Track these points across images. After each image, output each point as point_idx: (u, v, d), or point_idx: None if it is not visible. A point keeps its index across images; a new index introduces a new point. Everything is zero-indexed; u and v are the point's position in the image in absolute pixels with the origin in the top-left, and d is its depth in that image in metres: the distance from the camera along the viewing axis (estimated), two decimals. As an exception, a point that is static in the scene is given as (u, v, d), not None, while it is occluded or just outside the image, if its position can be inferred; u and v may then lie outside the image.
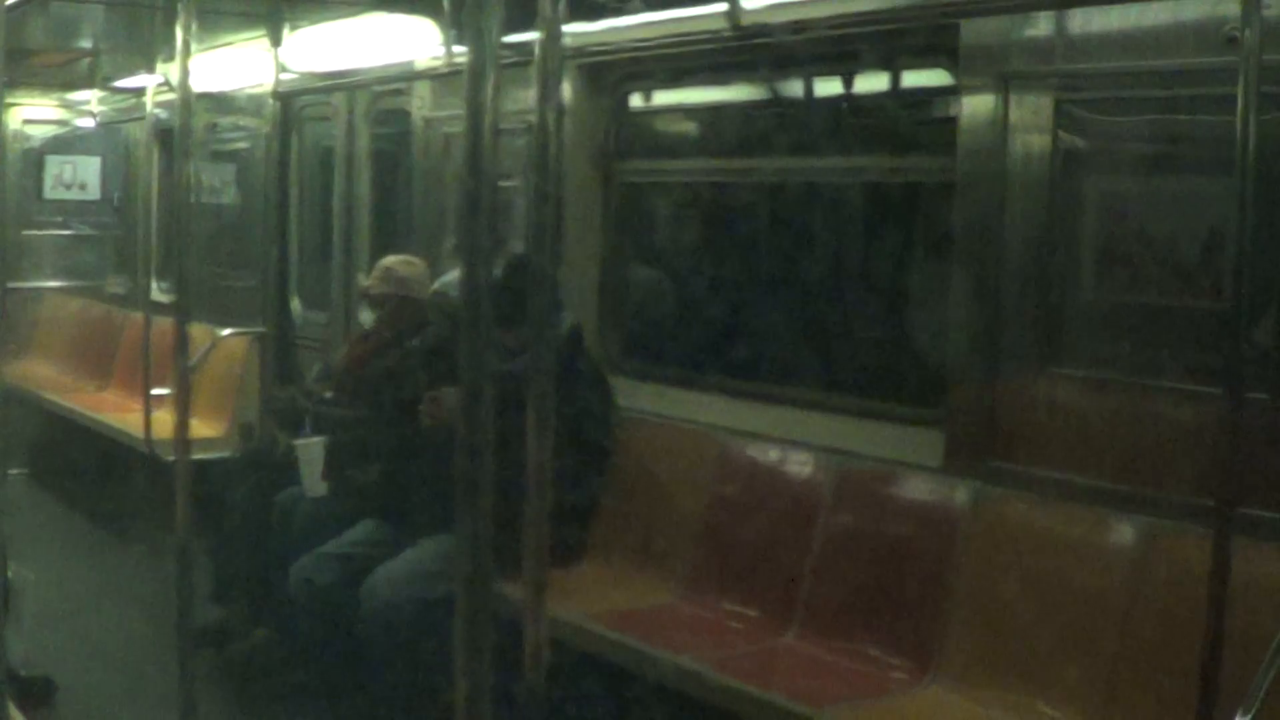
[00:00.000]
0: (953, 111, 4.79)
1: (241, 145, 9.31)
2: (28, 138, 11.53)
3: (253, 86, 8.43)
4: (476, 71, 1.79)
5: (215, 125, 9.39)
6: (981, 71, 4.57)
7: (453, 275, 5.96)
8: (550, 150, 2.15)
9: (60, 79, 10.63)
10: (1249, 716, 3.03)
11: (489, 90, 1.78)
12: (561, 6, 2.12)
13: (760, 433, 5.39)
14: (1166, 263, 4.11)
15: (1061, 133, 4.36)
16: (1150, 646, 3.90)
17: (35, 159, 11.56)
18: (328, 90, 8.12)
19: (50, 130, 11.67)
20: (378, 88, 7.73)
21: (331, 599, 5.55)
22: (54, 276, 11.62)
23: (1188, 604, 3.54)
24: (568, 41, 3.82)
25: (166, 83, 8.12)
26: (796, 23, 5.17)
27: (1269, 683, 3.07)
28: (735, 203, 6.35)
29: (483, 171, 1.78)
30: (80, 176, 11.69)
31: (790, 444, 5.23)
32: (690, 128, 6.73)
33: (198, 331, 5.40)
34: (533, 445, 2.12)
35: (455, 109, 6.95)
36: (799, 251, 6.02)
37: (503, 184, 1.89)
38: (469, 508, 1.85)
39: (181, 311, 4.32)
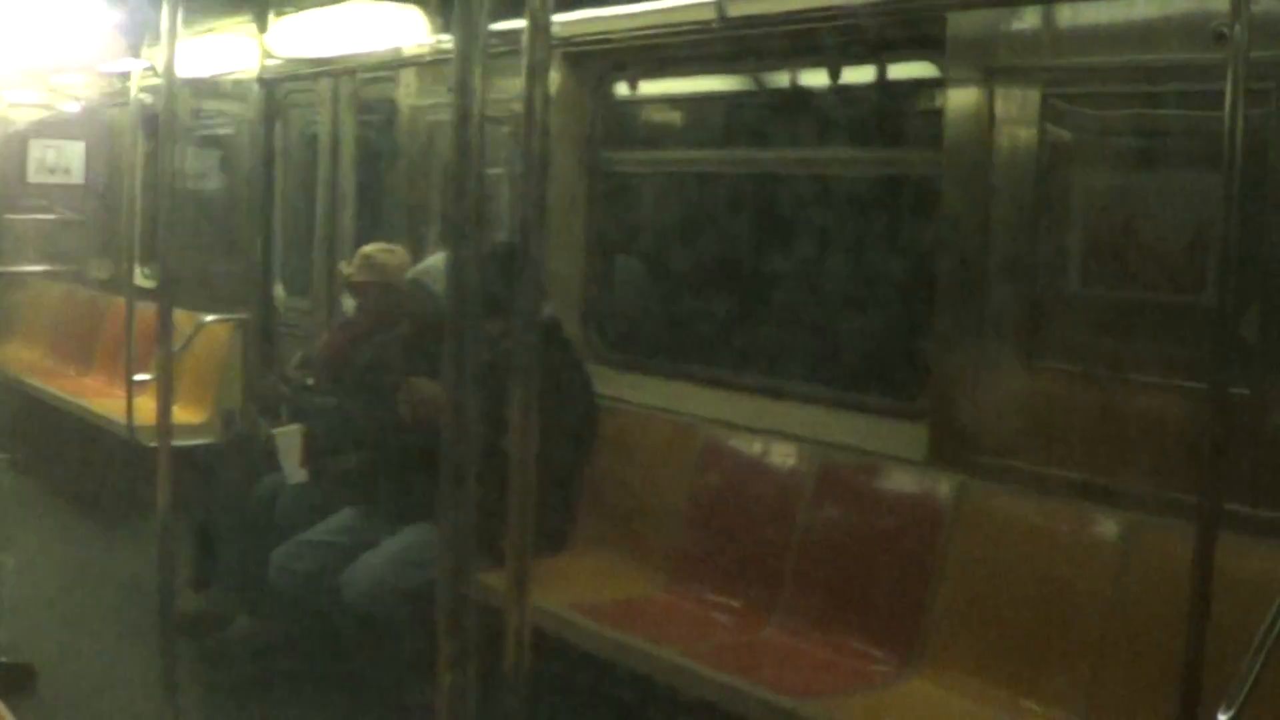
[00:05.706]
0: (939, 104, 4.78)
1: (226, 131, 9.28)
2: (11, 121, 11.46)
3: (238, 72, 8.40)
4: (465, 59, 1.78)
5: (200, 110, 9.36)
6: (968, 64, 4.56)
7: (430, 261, 5.95)
8: (537, 139, 2.14)
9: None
10: (1232, 712, 3.03)
11: (477, 78, 1.77)
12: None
13: (743, 424, 5.38)
14: (1152, 257, 4.11)
15: (1048, 126, 4.35)
16: (1133, 641, 3.90)
17: (19, 143, 11.49)
18: (312, 77, 8.09)
19: (34, 114, 11.60)
20: (363, 75, 7.71)
21: (312, 587, 5.54)
22: (37, 261, 11.54)
23: (1171, 599, 3.55)
24: (554, 30, 3.81)
25: (152, 67, 8.09)
26: (782, 14, 5.17)
27: (1253, 679, 3.07)
28: (719, 193, 6.33)
29: (470, 159, 1.77)
30: (64, 161, 11.62)
31: (774, 436, 5.22)
32: (675, 118, 6.71)
33: (180, 317, 5.37)
34: (516, 435, 2.11)
35: (440, 97, 6.94)
36: (783, 243, 6.00)
37: (488, 171, 1.88)
38: (453, 496, 1.84)
39: (164, 297, 4.31)
